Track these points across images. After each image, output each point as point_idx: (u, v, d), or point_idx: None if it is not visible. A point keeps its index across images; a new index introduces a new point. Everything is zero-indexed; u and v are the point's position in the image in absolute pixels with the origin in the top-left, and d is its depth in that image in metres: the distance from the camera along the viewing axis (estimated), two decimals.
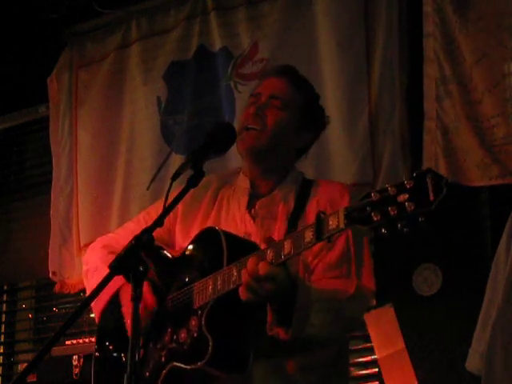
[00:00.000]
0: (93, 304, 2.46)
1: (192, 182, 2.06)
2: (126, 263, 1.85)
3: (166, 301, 2.34)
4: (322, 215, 1.92)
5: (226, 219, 2.41)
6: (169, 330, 2.27)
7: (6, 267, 5.01)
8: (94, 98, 4.57)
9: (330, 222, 1.89)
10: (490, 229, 3.29)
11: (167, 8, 4.38)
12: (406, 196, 1.75)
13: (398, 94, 3.51)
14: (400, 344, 3.34)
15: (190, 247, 2.35)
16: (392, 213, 1.74)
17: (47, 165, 4.82)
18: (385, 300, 3.34)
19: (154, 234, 2.27)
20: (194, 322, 2.18)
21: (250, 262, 2.02)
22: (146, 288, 2.30)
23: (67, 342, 3.79)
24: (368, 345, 3.46)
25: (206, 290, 2.19)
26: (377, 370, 3.44)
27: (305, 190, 2.40)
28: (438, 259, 3.37)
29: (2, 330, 5.12)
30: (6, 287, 5.17)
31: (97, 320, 2.51)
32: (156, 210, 2.52)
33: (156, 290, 2.35)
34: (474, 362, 2.59)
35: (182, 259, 2.37)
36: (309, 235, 1.94)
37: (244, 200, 2.41)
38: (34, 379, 3.87)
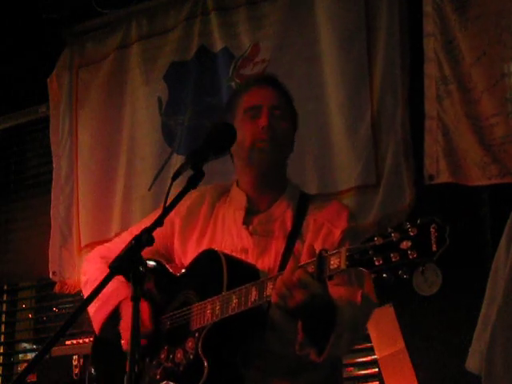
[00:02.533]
0: (92, 315, 2.47)
1: (192, 182, 2.06)
2: (126, 263, 1.84)
3: (163, 318, 2.35)
4: (324, 253, 1.93)
5: (222, 234, 2.41)
6: (165, 347, 2.28)
7: (6, 267, 5.01)
8: (95, 98, 4.57)
9: (332, 262, 1.90)
10: (490, 229, 3.29)
11: (167, 8, 4.38)
12: (409, 244, 1.75)
13: (400, 95, 3.50)
14: (400, 344, 3.34)
15: (191, 267, 2.36)
16: (394, 259, 1.77)
17: (47, 165, 4.82)
18: (385, 300, 3.34)
19: (151, 248, 2.33)
20: (190, 344, 2.19)
21: (288, 267, 2.01)
22: (143, 305, 2.31)
23: (67, 342, 3.78)
24: (368, 345, 3.46)
25: (204, 313, 2.20)
26: (377, 370, 3.44)
27: (302, 207, 2.38)
28: (437, 259, 3.36)
29: (2, 330, 5.12)
30: (6, 287, 5.17)
31: (96, 332, 2.50)
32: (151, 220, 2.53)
33: (154, 306, 2.35)
34: (473, 362, 2.59)
35: (182, 278, 2.38)
36: (310, 269, 1.95)
37: (240, 215, 2.40)
38: (34, 379, 3.87)
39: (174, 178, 2.04)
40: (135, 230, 2.53)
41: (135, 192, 4.28)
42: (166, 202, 2.01)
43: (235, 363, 2.17)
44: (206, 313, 2.19)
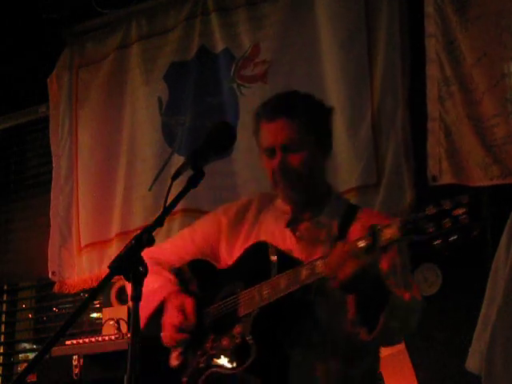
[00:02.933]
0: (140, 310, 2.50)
1: (192, 182, 2.06)
2: (126, 263, 1.84)
3: (209, 310, 2.37)
4: (378, 226, 1.96)
5: (266, 237, 2.42)
6: (210, 337, 2.31)
7: (6, 267, 5.01)
8: (95, 98, 4.57)
9: (385, 232, 1.94)
10: (490, 229, 3.29)
11: (167, 8, 4.38)
12: (462, 210, 1.80)
13: (401, 96, 3.51)
14: (400, 344, 3.34)
15: (238, 260, 2.39)
16: (446, 225, 1.81)
17: (47, 165, 4.82)
18: None
19: (197, 249, 2.47)
20: (237, 329, 2.22)
21: (339, 242, 2.05)
22: (187, 300, 2.35)
23: (67, 342, 3.78)
24: None
25: (252, 299, 2.23)
26: None
27: (349, 216, 2.39)
28: (437, 259, 3.37)
29: (2, 330, 5.13)
30: (6, 287, 5.17)
31: (142, 327, 2.52)
32: (201, 225, 2.57)
33: (199, 301, 2.37)
34: (473, 362, 2.59)
35: (230, 271, 2.41)
36: (363, 243, 1.98)
37: (284, 220, 2.42)
38: (34, 379, 3.87)
39: (174, 177, 2.04)
40: (187, 232, 2.60)
41: (135, 192, 4.28)
42: (166, 202, 2.01)
43: (282, 346, 2.19)
44: (254, 298, 2.22)
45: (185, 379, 2.31)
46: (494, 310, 2.55)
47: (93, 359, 3.68)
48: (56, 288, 4.49)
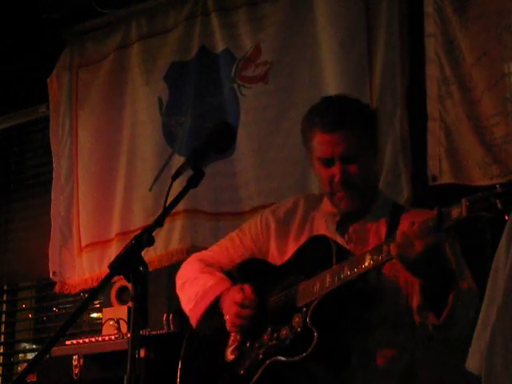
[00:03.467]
0: (190, 310, 2.54)
1: (192, 182, 2.06)
2: (126, 263, 1.84)
3: (268, 302, 2.39)
4: (443, 208, 2.01)
5: None
6: (268, 329, 2.32)
7: (6, 267, 5.02)
8: (95, 98, 4.57)
9: (453, 212, 1.99)
10: (490, 229, 3.28)
11: (167, 8, 4.38)
12: None
13: (399, 95, 3.51)
14: None
15: (295, 255, 2.42)
16: None
17: (47, 165, 4.82)
18: None
19: (246, 250, 2.53)
20: (297, 319, 2.24)
21: (408, 223, 2.08)
22: (246, 287, 2.39)
23: (67, 342, 3.78)
24: None
25: (312, 288, 2.25)
26: None
27: (395, 216, 2.42)
28: None
29: (2, 330, 5.13)
30: (6, 287, 5.17)
31: (194, 327, 2.54)
32: (249, 226, 2.61)
33: (257, 293, 2.40)
34: (473, 362, 2.59)
35: (288, 265, 2.43)
36: (429, 223, 2.02)
37: (333, 222, 2.45)
38: (34, 379, 3.87)
39: (174, 177, 2.05)
40: (235, 234, 2.64)
41: (136, 192, 4.28)
42: (166, 201, 2.01)
43: (343, 334, 2.20)
44: (315, 287, 2.24)
45: (242, 372, 2.32)
46: (494, 310, 2.54)
47: (93, 359, 3.68)
48: (57, 288, 4.49)
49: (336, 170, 2.38)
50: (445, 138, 3.36)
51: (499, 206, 1.88)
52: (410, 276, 2.17)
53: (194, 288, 2.53)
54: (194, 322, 2.53)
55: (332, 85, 3.69)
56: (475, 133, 3.27)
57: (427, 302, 2.11)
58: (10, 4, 4.63)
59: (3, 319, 5.14)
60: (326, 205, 2.51)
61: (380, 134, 3.51)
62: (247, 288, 2.38)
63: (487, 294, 2.62)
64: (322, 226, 2.47)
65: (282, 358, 2.21)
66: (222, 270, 2.56)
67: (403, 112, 3.50)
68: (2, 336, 5.12)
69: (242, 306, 2.35)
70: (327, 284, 2.21)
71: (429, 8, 3.46)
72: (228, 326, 2.39)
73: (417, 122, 3.47)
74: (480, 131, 3.26)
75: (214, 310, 2.46)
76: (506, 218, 1.86)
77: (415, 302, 2.13)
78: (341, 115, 2.42)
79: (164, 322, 3.66)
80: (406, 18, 3.56)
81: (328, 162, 2.40)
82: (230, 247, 2.61)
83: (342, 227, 2.44)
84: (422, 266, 2.05)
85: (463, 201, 1.96)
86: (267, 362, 2.25)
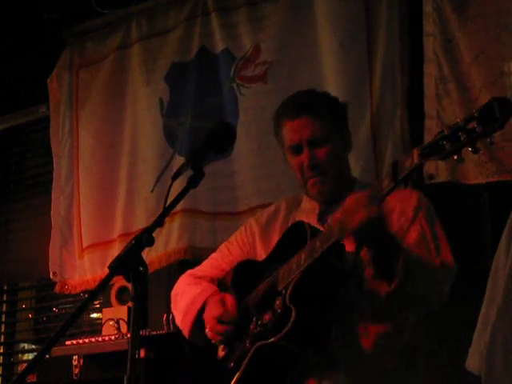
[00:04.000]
0: (181, 321, 2.55)
1: (192, 183, 2.06)
2: (126, 263, 1.85)
3: (250, 297, 2.40)
4: (396, 161, 2.04)
5: None
6: (253, 319, 2.34)
7: (6, 267, 5.02)
8: (95, 98, 4.57)
9: (406, 163, 2.01)
10: (490, 229, 3.29)
11: (167, 8, 4.38)
12: (475, 122, 1.85)
13: (400, 95, 3.51)
14: None
15: (277, 244, 2.46)
16: (462, 138, 1.87)
17: (47, 165, 4.82)
18: None
19: (234, 258, 2.56)
20: (278, 302, 2.25)
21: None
22: (227, 297, 2.41)
23: (67, 342, 3.78)
24: None
25: (289, 269, 2.27)
26: None
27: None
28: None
29: (2, 330, 5.13)
30: (6, 287, 5.17)
31: (186, 337, 2.55)
32: (234, 237, 2.65)
33: (241, 296, 2.42)
34: (473, 362, 2.59)
35: (269, 258, 2.46)
36: (386, 182, 2.05)
37: (314, 216, 2.47)
38: (34, 379, 3.87)
39: (174, 178, 2.05)
40: (224, 246, 2.68)
41: (138, 194, 4.28)
42: (166, 201, 2.01)
43: (323, 316, 2.21)
44: (292, 267, 2.26)
45: (232, 364, 2.33)
46: (494, 310, 2.55)
47: (93, 359, 3.68)
48: (57, 288, 4.49)
49: (304, 155, 2.42)
50: None
51: (447, 147, 1.90)
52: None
53: (183, 301, 2.55)
54: (185, 333, 2.54)
55: (332, 85, 3.69)
56: None
57: (377, 272, 2.12)
58: (10, 4, 4.63)
59: (3, 319, 5.14)
60: (305, 202, 2.54)
61: (380, 135, 3.55)
62: (229, 300, 2.40)
63: (487, 293, 2.63)
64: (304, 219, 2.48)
65: (265, 341, 2.21)
66: (212, 280, 2.58)
67: (403, 112, 3.50)
68: (2, 336, 5.13)
69: (219, 321, 2.37)
70: (302, 262, 2.23)
71: (427, 7, 3.46)
72: (208, 336, 2.41)
73: (416, 121, 3.47)
74: None
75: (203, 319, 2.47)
76: (455, 157, 1.90)
77: (368, 272, 2.14)
78: (305, 101, 2.47)
79: (164, 322, 3.66)
80: (405, 18, 3.56)
81: (297, 149, 2.44)
82: (218, 258, 2.65)
83: (321, 219, 2.45)
84: (365, 233, 2.07)
85: (414, 150, 2.00)
86: (252, 349, 2.26)
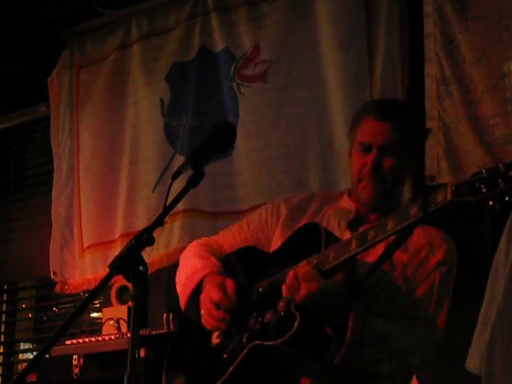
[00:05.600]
0: (179, 293, 2.51)
1: (192, 182, 2.06)
2: (126, 263, 1.84)
3: (253, 289, 2.37)
4: (428, 189, 2.01)
5: None
6: (254, 314, 2.31)
7: (6, 267, 5.02)
8: (96, 98, 4.57)
9: (438, 196, 1.94)
10: (490, 229, 3.29)
11: (167, 8, 4.38)
12: None
13: (400, 95, 3.51)
14: None
15: (288, 240, 2.41)
16: (501, 185, 1.82)
17: (47, 165, 4.82)
18: None
19: (250, 234, 2.52)
20: (281, 304, 2.22)
21: (301, 264, 2.11)
22: (228, 281, 2.36)
23: (67, 342, 3.78)
24: None
25: None
26: None
27: (409, 227, 2.40)
28: None
29: (2, 330, 5.13)
30: (6, 287, 5.17)
31: (182, 309, 2.52)
32: (259, 212, 2.60)
33: (242, 286, 2.38)
34: (473, 362, 2.59)
35: (278, 253, 2.43)
36: (414, 210, 1.99)
37: (345, 221, 2.44)
38: (34, 379, 3.87)
39: (174, 177, 2.05)
40: (245, 222, 2.62)
41: (139, 193, 4.28)
42: (166, 201, 2.01)
43: (324, 323, 2.19)
44: None
45: (225, 355, 2.30)
46: (494, 310, 2.55)
47: (93, 359, 3.68)
48: (57, 288, 4.49)
49: (371, 157, 2.38)
50: (443, 137, 3.36)
51: (484, 190, 1.85)
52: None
53: (184, 270, 2.52)
54: (182, 305, 2.51)
55: (332, 85, 3.69)
56: (475, 133, 3.27)
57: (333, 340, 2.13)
58: (10, 4, 4.63)
59: (3, 319, 5.14)
60: (344, 201, 2.50)
61: None
62: (230, 286, 2.35)
63: (487, 294, 2.63)
64: (334, 222, 2.45)
65: (264, 342, 2.20)
66: (222, 253, 2.54)
67: None
68: (2, 336, 5.13)
69: (216, 306, 2.33)
70: None
71: (428, 8, 3.46)
72: (203, 320, 2.38)
73: None
74: (480, 131, 3.26)
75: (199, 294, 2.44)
76: (491, 203, 1.83)
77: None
78: (396, 108, 2.45)
79: (164, 322, 3.66)
80: (406, 18, 3.56)
81: (366, 148, 2.39)
82: (236, 232, 2.60)
83: (354, 225, 2.42)
84: (310, 307, 2.09)
85: (449, 184, 1.94)
86: (250, 345, 2.24)
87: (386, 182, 2.38)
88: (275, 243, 2.49)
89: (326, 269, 2.11)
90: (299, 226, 2.43)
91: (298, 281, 2.08)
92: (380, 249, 2.24)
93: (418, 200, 1.98)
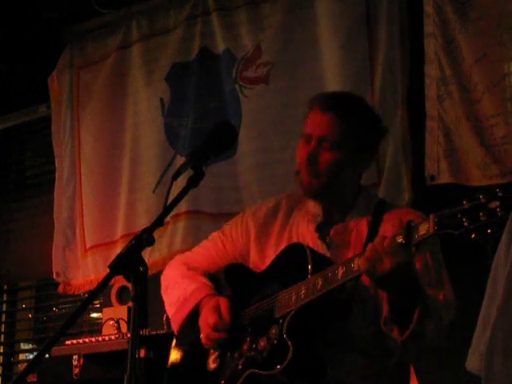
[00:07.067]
0: (172, 315, 2.54)
1: (192, 182, 2.06)
2: (126, 263, 1.84)
3: (246, 312, 2.38)
4: (412, 223, 1.99)
5: (298, 241, 2.43)
6: (247, 339, 2.32)
7: (6, 267, 5.02)
8: (96, 99, 4.57)
9: (420, 229, 1.95)
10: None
11: (167, 8, 4.37)
12: (497, 203, 1.81)
13: (400, 95, 3.51)
14: None
15: (273, 263, 2.40)
16: (483, 218, 1.82)
17: (47, 165, 4.82)
18: None
19: (228, 254, 2.51)
20: (274, 331, 2.23)
21: (379, 237, 2.07)
22: (222, 301, 2.38)
23: (67, 342, 3.78)
24: None
25: (288, 299, 2.24)
26: None
27: (378, 215, 2.39)
28: None
29: (2, 330, 5.14)
30: (6, 287, 5.17)
31: (175, 332, 2.55)
32: (230, 229, 2.59)
33: (235, 303, 2.40)
34: (473, 362, 2.58)
35: (265, 274, 2.42)
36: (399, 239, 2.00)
37: (312, 225, 2.42)
38: (34, 379, 3.87)
39: (175, 177, 2.05)
40: (217, 235, 2.62)
41: (140, 194, 4.28)
42: (166, 201, 2.01)
43: (318, 347, 2.20)
44: (291, 299, 2.22)
45: (223, 382, 2.32)
46: (494, 310, 2.54)
47: (93, 359, 3.68)
48: (60, 289, 4.49)
49: (309, 147, 2.35)
50: (443, 137, 3.36)
51: (465, 223, 1.85)
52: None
53: (175, 293, 2.53)
54: (175, 328, 2.54)
55: (333, 85, 3.69)
56: (475, 133, 3.27)
57: (393, 315, 2.11)
58: (10, 4, 4.63)
59: (3, 319, 5.15)
60: (311, 205, 2.47)
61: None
62: (223, 307, 2.37)
63: (487, 293, 2.61)
64: (304, 228, 2.43)
65: (259, 371, 2.21)
66: (205, 273, 2.55)
67: (404, 112, 3.50)
68: (2, 336, 5.13)
69: (214, 329, 2.35)
70: (302, 296, 2.20)
71: (428, 8, 3.46)
72: (203, 342, 2.40)
73: (416, 122, 3.47)
74: (480, 131, 3.26)
75: (195, 317, 2.46)
76: (473, 236, 1.83)
77: (384, 312, 2.13)
78: (343, 101, 2.41)
79: (164, 322, 3.66)
80: (406, 18, 3.56)
81: (308, 139, 2.37)
82: (212, 250, 2.59)
83: (323, 229, 2.40)
84: (390, 281, 2.05)
85: (431, 216, 1.93)
86: (245, 374, 2.25)
87: (320, 176, 2.35)
88: (254, 260, 2.49)
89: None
90: (276, 239, 2.43)
91: (380, 254, 2.02)
92: (358, 247, 2.27)
93: (404, 231, 1.99)
